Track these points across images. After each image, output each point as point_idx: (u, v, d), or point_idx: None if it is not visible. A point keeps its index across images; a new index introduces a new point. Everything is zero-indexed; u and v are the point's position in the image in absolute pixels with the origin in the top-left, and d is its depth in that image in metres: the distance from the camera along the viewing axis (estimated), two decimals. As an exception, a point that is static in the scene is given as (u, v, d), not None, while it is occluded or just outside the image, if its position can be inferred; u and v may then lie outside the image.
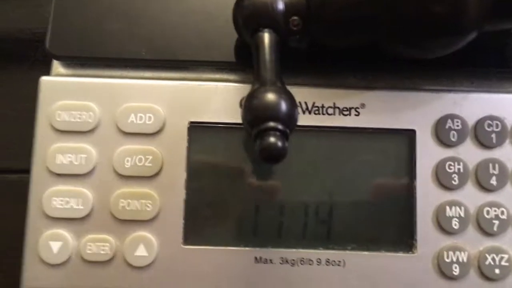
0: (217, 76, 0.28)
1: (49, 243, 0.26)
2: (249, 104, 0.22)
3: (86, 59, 0.28)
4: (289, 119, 0.22)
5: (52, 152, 0.26)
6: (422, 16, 0.23)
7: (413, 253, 0.26)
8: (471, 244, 0.26)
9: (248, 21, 0.25)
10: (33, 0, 0.36)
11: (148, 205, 0.26)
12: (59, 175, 0.26)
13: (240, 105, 0.27)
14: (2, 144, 0.33)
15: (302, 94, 0.27)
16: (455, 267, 0.25)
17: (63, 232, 0.26)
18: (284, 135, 0.21)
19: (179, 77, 0.28)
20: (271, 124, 0.21)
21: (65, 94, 0.27)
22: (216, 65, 0.28)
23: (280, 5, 0.25)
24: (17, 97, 0.34)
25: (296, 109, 0.22)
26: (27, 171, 0.32)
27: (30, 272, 0.26)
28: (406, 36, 0.24)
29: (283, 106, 0.22)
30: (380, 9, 0.23)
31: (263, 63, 0.23)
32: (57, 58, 0.28)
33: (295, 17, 0.25)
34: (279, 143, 0.21)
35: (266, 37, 0.24)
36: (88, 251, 0.26)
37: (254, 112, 0.22)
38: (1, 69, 0.35)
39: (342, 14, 0.24)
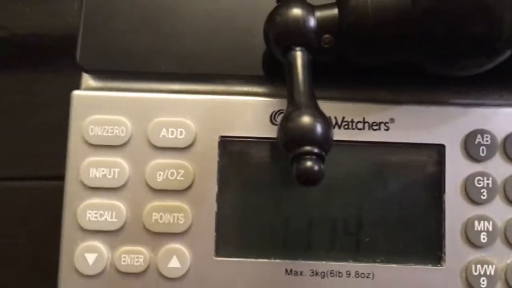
0: (246, 89, 0.28)
1: (84, 255, 0.27)
2: (285, 127, 0.22)
3: (115, 72, 0.28)
4: (325, 142, 0.22)
5: (85, 166, 0.27)
6: (458, 36, 0.23)
7: (441, 266, 0.26)
8: (499, 257, 0.26)
9: (279, 38, 0.25)
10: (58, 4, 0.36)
11: (181, 218, 0.27)
12: (93, 188, 0.27)
13: (271, 120, 0.27)
14: (25, 151, 0.34)
15: (331, 108, 0.27)
16: (483, 280, 0.26)
17: (98, 244, 0.27)
18: (320, 158, 0.21)
19: (208, 90, 0.28)
20: (307, 148, 0.21)
21: (97, 109, 0.27)
22: (245, 78, 0.28)
23: (312, 23, 0.25)
24: (43, 103, 0.34)
25: (331, 131, 0.23)
26: (50, 178, 0.33)
27: (66, 283, 0.27)
28: (441, 55, 0.24)
29: (319, 129, 0.22)
30: (415, 29, 0.23)
31: (296, 84, 0.23)
32: (88, 72, 0.28)
33: (327, 35, 0.25)
34: (316, 167, 0.21)
35: (299, 56, 0.24)
36: (123, 263, 0.26)
37: (290, 136, 0.22)
38: (26, 74, 0.35)
39: (375, 33, 0.24)
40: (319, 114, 0.22)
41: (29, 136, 0.33)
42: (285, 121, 0.22)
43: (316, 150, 0.21)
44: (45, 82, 0.34)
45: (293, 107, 0.23)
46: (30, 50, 0.35)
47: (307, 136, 0.22)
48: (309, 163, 0.21)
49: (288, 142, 0.22)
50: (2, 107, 0.34)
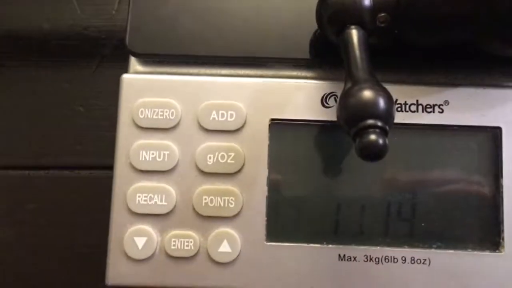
0: (294, 73, 0.28)
1: (134, 238, 0.26)
2: (345, 103, 0.22)
3: (164, 56, 0.28)
4: (388, 115, 0.21)
5: (135, 148, 0.27)
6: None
7: (500, 252, 0.25)
8: None
9: (334, 18, 0.25)
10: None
11: (231, 201, 0.26)
12: (142, 171, 0.27)
13: (322, 102, 0.27)
14: (71, 141, 0.34)
15: (384, 91, 0.26)
16: (544, 267, 0.25)
17: (148, 228, 0.26)
18: (384, 132, 0.21)
19: (256, 74, 0.28)
20: (370, 121, 0.21)
21: (147, 92, 0.27)
22: (294, 62, 0.28)
23: (368, 1, 0.24)
24: (87, 94, 0.34)
25: (394, 105, 0.22)
26: (96, 167, 0.33)
27: (115, 267, 0.26)
28: (502, 33, 0.23)
29: (381, 102, 0.21)
30: (475, 6, 0.23)
31: (354, 60, 0.23)
32: (137, 56, 0.28)
33: (383, 14, 0.24)
34: (380, 141, 0.21)
35: (355, 34, 0.24)
36: (173, 247, 0.26)
37: (352, 111, 0.22)
38: (69, 66, 0.35)
39: (435, 11, 0.23)
40: (380, 88, 0.22)
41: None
42: (345, 97, 0.22)
43: (379, 124, 0.21)
44: (90, 72, 0.35)
45: (353, 83, 0.22)
46: (74, 42, 0.35)
47: (370, 109, 0.21)
48: (373, 137, 0.21)
49: (350, 118, 0.22)
50: (54, 97, 0.34)
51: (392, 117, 0.22)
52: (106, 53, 0.35)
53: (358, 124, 0.21)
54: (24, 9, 0.36)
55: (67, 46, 0.36)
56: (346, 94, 0.22)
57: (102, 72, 0.35)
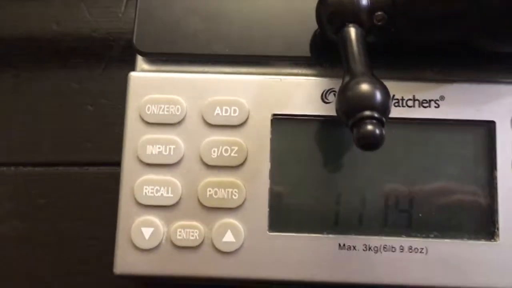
0: (295, 71, 0.29)
1: (141, 229, 0.27)
2: (343, 96, 0.23)
3: (170, 55, 0.29)
4: (385, 107, 0.22)
5: (142, 143, 0.28)
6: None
7: (495, 241, 0.26)
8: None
9: (333, 17, 0.26)
10: (106, 0, 0.38)
11: (235, 193, 0.27)
12: (149, 165, 0.28)
13: (322, 98, 0.28)
14: (81, 138, 0.35)
15: (381, 87, 0.27)
16: (538, 255, 0.26)
17: (154, 219, 0.27)
18: (380, 123, 0.22)
19: (258, 72, 0.29)
20: (367, 113, 0.22)
21: (153, 89, 0.28)
22: (294, 60, 0.29)
23: (365, 1, 0.25)
24: (96, 93, 0.36)
25: (390, 98, 0.23)
26: (105, 164, 0.34)
27: (123, 257, 0.27)
28: (495, 31, 0.24)
29: (378, 95, 0.22)
30: (469, 4, 0.24)
31: (351, 56, 0.24)
32: (144, 55, 0.30)
33: (380, 12, 0.25)
34: (377, 131, 0.22)
35: (353, 31, 0.25)
36: (178, 237, 0.27)
37: (350, 103, 0.23)
38: (79, 67, 0.36)
39: (430, 10, 0.24)
40: (377, 81, 0.23)
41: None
42: (343, 90, 0.23)
43: (376, 115, 0.22)
44: (99, 72, 0.36)
45: (351, 77, 0.23)
46: (82, 43, 0.37)
47: (367, 101, 0.22)
48: (370, 127, 0.22)
49: (348, 109, 0.23)
50: (64, 97, 0.35)
51: (388, 109, 0.23)
52: (114, 54, 0.36)
53: (356, 115, 0.22)
54: (35, 11, 0.37)
55: (77, 48, 0.37)
56: (344, 88, 0.23)
57: (110, 73, 0.36)
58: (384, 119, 0.22)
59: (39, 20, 0.37)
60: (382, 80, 0.27)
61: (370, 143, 0.22)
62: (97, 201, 0.33)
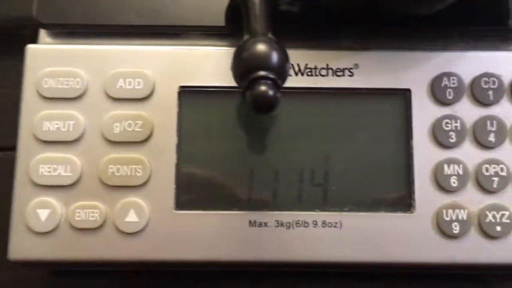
0: (207, 42, 0.28)
1: (36, 211, 0.25)
2: (239, 57, 0.21)
3: (74, 26, 0.28)
4: (280, 69, 0.21)
5: (39, 119, 0.26)
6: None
7: (411, 212, 0.25)
8: (471, 202, 0.25)
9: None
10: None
11: (138, 170, 0.25)
12: (46, 142, 0.26)
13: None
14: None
15: (294, 56, 0.26)
16: (455, 226, 0.25)
17: (51, 199, 0.25)
18: (275, 84, 0.20)
19: (169, 44, 0.27)
20: (262, 73, 0.20)
21: (52, 61, 0.26)
22: (206, 30, 0.27)
23: (271, -38, 0.24)
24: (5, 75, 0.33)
25: (288, 60, 0.22)
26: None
27: (18, 241, 0.25)
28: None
29: (274, 55, 0.21)
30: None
31: (253, 15, 0.23)
32: (44, 27, 0.28)
33: (286, -25, 0.24)
34: (271, 92, 0.20)
35: (258, -7, 0.24)
36: (77, 218, 0.25)
37: (245, 63, 0.21)
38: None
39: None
40: (275, 42, 0.21)
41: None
42: (239, 50, 0.22)
43: (271, 76, 0.20)
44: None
45: (248, 36, 0.22)
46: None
47: (261, 61, 0.21)
48: (263, 87, 0.20)
49: (243, 70, 0.21)
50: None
51: (285, 71, 0.21)
52: (25, 35, 0.34)
53: (250, 75, 0.21)
54: None
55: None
56: (240, 48, 0.22)
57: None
58: (280, 81, 0.21)
59: None
60: (296, 49, 0.26)
61: (264, 105, 0.20)
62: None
